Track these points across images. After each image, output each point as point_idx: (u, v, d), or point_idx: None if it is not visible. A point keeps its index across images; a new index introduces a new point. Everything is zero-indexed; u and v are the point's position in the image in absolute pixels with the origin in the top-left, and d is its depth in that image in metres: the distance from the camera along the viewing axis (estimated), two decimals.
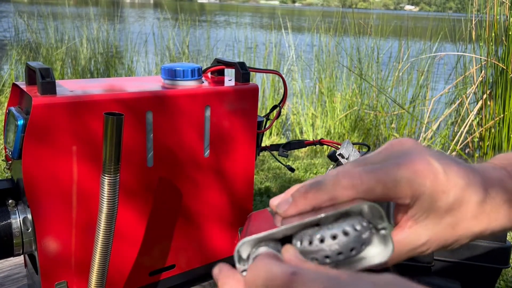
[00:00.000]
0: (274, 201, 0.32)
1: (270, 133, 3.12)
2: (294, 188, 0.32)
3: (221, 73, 0.71)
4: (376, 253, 0.28)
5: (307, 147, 2.63)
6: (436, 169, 0.31)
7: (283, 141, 2.96)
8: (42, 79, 0.50)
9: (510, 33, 2.26)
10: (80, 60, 3.60)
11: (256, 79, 3.53)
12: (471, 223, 0.33)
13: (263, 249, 0.26)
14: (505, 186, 0.34)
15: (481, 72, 2.49)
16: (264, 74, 3.35)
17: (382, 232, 0.28)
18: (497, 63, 2.32)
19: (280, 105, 0.71)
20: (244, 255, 0.27)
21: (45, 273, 0.53)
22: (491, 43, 2.39)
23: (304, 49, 3.81)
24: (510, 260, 0.88)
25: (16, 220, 0.52)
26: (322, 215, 0.27)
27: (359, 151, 0.67)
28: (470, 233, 0.34)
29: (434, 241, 0.33)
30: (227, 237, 0.69)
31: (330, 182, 0.30)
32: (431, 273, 0.92)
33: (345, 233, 0.26)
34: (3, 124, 0.54)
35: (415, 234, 0.33)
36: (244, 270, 0.27)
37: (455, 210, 0.33)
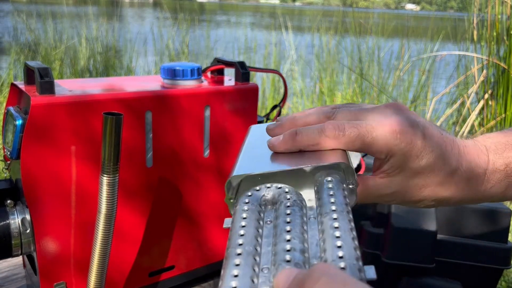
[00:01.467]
0: (270, 132, 0.37)
1: None
2: (288, 120, 0.37)
3: (220, 72, 0.70)
4: None
5: None
6: (416, 134, 0.35)
7: None
8: (41, 78, 0.50)
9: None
10: (79, 59, 3.59)
11: (256, 78, 3.53)
12: (438, 188, 0.36)
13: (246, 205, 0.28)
14: (478, 162, 0.37)
15: (482, 71, 2.48)
16: (264, 73, 3.34)
17: (350, 186, 0.31)
18: (499, 62, 2.32)
19: (280, 105, 0.70)
20: (234, 184, 0.31)
21: (44, 274, 0.52)
22: (493, 43, 2.39)
23: (305, 49, 3.81)
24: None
25: (15, 221, 0.51)
26: (307, 167, 0.31)
27: None
28: (435, 197, 0.37)
29: (400, 195, 0.37)
30: (227, 237, 0.68)
31: (317, 130, 0.34)
32: (432, 273, 0.91)
33: None
34: (1, 124, 0.54)
35: (384, 185, 0.36)
36: (231, 199, 0.31)
37: (425, 174, 0.35)
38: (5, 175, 0.64)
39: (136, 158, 0.56)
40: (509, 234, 0.97)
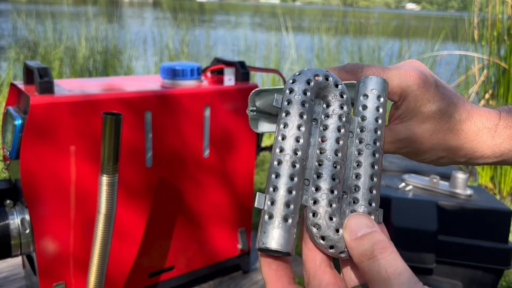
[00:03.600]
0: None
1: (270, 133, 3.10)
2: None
3: (220, 72, 0.70)
4: None
5: None
6: (429, 81, 0.37)
7: None
8: (40, 78, 0.49)
9: None
10: (79, 59, 3.59)
11: (256, 78, 3.53)
12: (448, 135, 0.38)
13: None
14: (489, 116, 0.39)
15: (483, 71, 2.48)
16: (264, 73, 3.34)
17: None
18: (499, 62, 2.32)
19: None
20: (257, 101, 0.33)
21: (43, 274, 0.52)
22: (493, 42, 2.38)
23: (305, 48, 3.81)
24: None
25: (14, 221, 0.51)
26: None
27: None
28: (446, 146, 0.38)
29: (411, 141, 0.38)
30: (227, 237, 0.68)
31: (338, 67, 0.38)
32: (433, 273, 0.91)
33: None
34: (1, 124, 0.54)
35: (397, 130, 0.38)
36: (252, 111, 0.33)
37: (436, 120, 0.38)
38: (5, 175, 0.64)
39: (136, 158, 0.56)
40: (509, 234, 0.96)
